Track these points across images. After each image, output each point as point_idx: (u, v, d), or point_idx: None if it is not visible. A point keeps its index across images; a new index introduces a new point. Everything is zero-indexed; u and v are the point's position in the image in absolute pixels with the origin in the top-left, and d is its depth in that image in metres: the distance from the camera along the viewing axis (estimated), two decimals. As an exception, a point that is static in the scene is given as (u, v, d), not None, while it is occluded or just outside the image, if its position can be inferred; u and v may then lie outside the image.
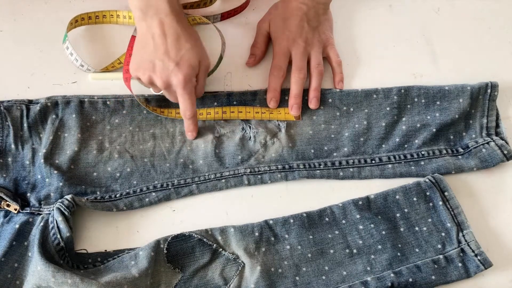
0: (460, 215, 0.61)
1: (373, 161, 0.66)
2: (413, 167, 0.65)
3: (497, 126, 0.68)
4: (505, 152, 0.65)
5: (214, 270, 0.59)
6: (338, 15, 0.72)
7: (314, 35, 0.67)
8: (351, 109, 0.67)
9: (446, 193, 0.62)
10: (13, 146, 0.61)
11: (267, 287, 0.57)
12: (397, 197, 0.63)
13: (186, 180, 0.63)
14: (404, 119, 0.67)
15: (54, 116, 0.63)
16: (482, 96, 0.67)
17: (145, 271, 0.55)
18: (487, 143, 0.65)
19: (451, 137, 0.67)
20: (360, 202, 0.62)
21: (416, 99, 0.67)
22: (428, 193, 0.63)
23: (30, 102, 0.63)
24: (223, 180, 0.63)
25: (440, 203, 0.62)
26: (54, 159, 0.62)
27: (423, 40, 0.73)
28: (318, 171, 0.64)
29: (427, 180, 0.63)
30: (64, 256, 0.57)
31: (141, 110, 0.65)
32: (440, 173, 0.64)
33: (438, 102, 0.67)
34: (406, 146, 0.66)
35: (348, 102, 0.67)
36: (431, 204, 0.62)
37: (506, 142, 0.66)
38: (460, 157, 0.66)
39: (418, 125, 0.66)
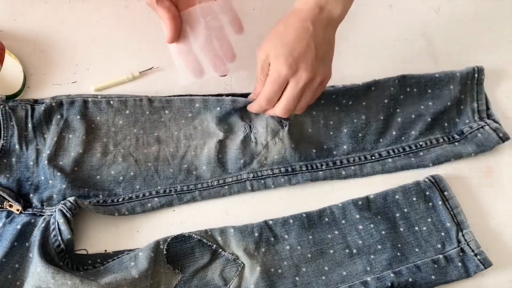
0: (460, 215, 0.61)
1: (373, 157, 0.66)
2: (413, 159, 0.66)
3: (488, 108, 0.68)
4: (501, 134, 0.66)
5: (214, 271, 0.59)
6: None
7: (319, 66, 0.55)
8: (350, 103, 0.67)
9: (445, 193, 0.63)
10: (17, 146, 0.61)
11: (267, 287, 0.57)
12: (397, 197, 0.63)
13: (189, 186, 0.63)
14: (398, 110, 0.67)
15: (59, 117, 0.62)
16: (470, 81, 0.68)
17: (145, 272, 0.55)
18: (482, 127, 0.66)
19: (446, 124, 0.68)
20: (360, 202, 0.62)
21: (408, 89, 0.67)
22: (427, 193, 0.63)
23: (35, 102, 0.63)
24: (226, 187, 0.63)
25: (440, 202, 0.62)
26: (58, 161, 0.61)
27: (423, 40, 0.73)
28: (321, 172, 0.64)
29: (426, 180, 0.63)
30: (64, 257, 0.57)
31: (143, 110, 0.64)
32: (440, 161, 0.65)
33: (429, 91, 0.68)
34: (403, 138, 0.67)
35: (348, 95, 0.67)
36: (430, 203, 0.63)
37: (499, 124, 0.67)
38: (457, 143, 0.67)
39: (413, 116, 0.67)
